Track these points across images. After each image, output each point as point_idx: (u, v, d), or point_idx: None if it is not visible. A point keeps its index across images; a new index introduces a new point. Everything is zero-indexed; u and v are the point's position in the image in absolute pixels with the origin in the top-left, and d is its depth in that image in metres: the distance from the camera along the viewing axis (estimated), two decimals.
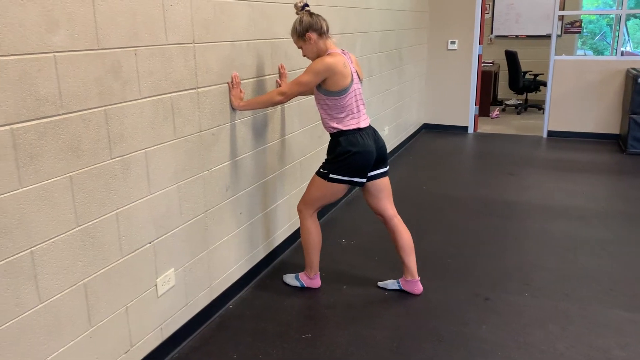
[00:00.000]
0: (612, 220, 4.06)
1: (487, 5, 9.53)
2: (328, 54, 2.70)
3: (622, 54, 6.61)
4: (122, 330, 2.19)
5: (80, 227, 1.93)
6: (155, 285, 2.36)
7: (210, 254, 2.74)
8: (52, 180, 1.81)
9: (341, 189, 2.84)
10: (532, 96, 9.61)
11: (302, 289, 3.10)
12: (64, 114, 1.82)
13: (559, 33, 9.30)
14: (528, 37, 9.56)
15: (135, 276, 2.23)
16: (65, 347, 1.92)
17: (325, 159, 2.85)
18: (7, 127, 1.64)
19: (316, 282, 3.10)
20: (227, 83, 2.73)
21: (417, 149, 6.35)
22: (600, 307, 2.86)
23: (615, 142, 6.56)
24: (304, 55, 2.80)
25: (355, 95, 2.76)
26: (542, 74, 8.85)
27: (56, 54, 1.77)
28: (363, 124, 2.78)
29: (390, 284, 3.08)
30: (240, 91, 2.78)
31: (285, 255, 3.55)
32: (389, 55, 5.48)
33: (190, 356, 2.50)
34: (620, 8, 6.55)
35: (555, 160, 5.80)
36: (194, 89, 2.48)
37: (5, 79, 1.62)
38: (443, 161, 5.83)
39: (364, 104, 2.82)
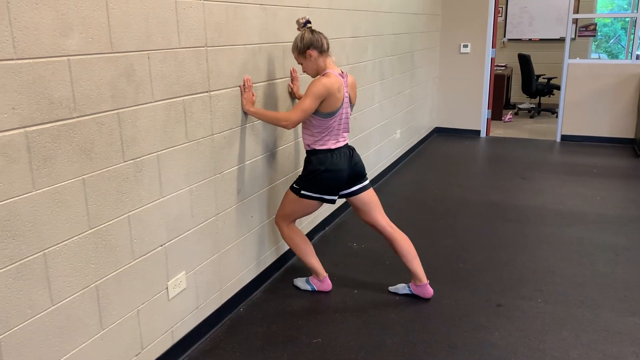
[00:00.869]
0: (627, 225, 4.01)
1: (500, 9, 9.47)
2: (324, 74, 2.71)
3: (638, 57, 6.54)
4: (133, 333, 2.20)
5: (92, 230, 1.94)
6: (167, 288, 2.37)
7: (221, 257, 2.74)
8: (65, 182, 1.82)
9: (313, 204, 2.90)
10: (545, 100, 9.54)
11: (313, 292, 3.09)
12: (77, 117, 1.83)
13: (573, 36, 9.23)
14: (541, 40, 9.49)
15: (146, 279, 2.24)
16: (76, 350, 1.93)
17: (299, 175, 2.90)
18: (22, 130, 1.65)
19: (327, 285, 3.09)
20: (239, 86, 2.73)
21: (429, 153, 6.32)
22: (614, 314, 2.82)
23: (630, 146, 6.49)
24: (304, 72, 2.83)
25: (342, 119, 2.80)
26: (556, 77, 8.78)
27: (70, 57, 1.78)
28: (338, 144, 2.82)
29: (401, 288, 3.07)
30: (252, 95, 2.78)
31: (295, 259, 3.54)
32: (401, 59, 5.47)
33: (201, 359, 2.50)
34: (635, 11, 6.48)
35: (569, 164, 5.74)
36: (206, 92, 2.49)
37: (20, 82, 1.63)
38: (455, 165, 5.79)
39: (347, 126, 2.87)
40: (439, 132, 7.39)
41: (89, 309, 1.96)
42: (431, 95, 6.91)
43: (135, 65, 2.05)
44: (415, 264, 2.96)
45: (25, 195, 1.68)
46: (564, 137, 6.82)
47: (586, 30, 9.21)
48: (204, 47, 2.43)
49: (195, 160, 2.46)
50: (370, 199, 2.95)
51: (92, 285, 1.97)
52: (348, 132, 2.89)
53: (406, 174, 5.43)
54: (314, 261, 3.05)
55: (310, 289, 3.10)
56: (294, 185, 2.90)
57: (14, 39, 1.60)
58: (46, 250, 1.77)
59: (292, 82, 3.22)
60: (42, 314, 1.78)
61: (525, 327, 2.72)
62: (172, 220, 2.35)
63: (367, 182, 2.96)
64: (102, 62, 1.91)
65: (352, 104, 2.89)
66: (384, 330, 2.71)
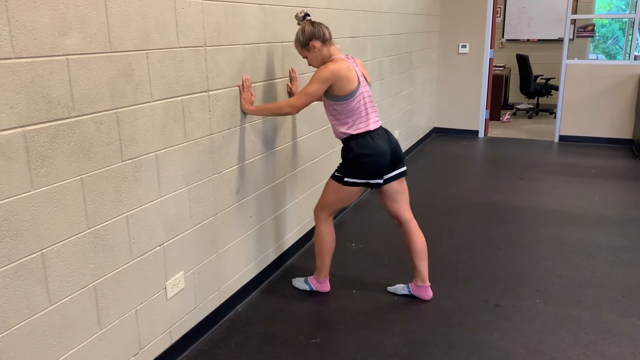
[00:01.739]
0: (625, 226, 4.01)
1: (499, 9, 9.48)
2: (331, 60, 2.70)
3: (636, 58, 6.55)
4: (132, 333, 2.19)
5: (90, 230, 1.93)
6: (165, 288, 2.36)
7: (219, 257, 2.74)
8: (64, 182, 1.81)
9: (356, 191, 2.83)
10: (543, 100, 9.55)
11: (311, 293, 3.09)
12: (75, 116, 1.83)
13: (571, 37, 9.24)
14: (539, 40, 9.50)
15: (145, 279, 2.23)
16: (74, 349, 1.92)
17: (340, 163, 2.84)
18: (20, 130, 1.64)
19: (325, 287, 3.09)
20: (238, 86, 2.73)
21: (427, 153, 6.32)
22: (613, 315, 2.82)
23: (627, 147, 6.50)
24: (310, 64, 2.81)
25: (364, 98, 2.75)
26: (554, 77, 8.80)
27: (68, 56, 1.77)
28: (373, 126, 2.76)
29: (400, 288, 3.06)
30: (251, 94, 2.78)
31: (294, 259, 3.54)
32: (399, 59, 5.46)
33: (199, 359, 2.50)
34: (633, 12, 6.49)
35: (567, 165, 5.75)
36: (205, 92, 2.48)
37: (18, 81, 1.62)
38: (453, 165, 5.80)
39: (373, 106, 2.81)
40: (437, 133, 7.39)
41: (87, 308, 1.96)
42: (429, 96, 6.91)
43: (133, 64, 2.05)
44: (424, 265, 2.95)
45: (23, 195, 1.68)
46: (562, 138, 6.82)
47: (584, 30, 9.23)
48: (202, 46, 2.43)
49: (193, 160, 2.45)
50: (403, 189, 2.90)
51: (90, 285, 1.96)
52: (376, 112, 2.83)
53: None
54: (328, 262, 3.02)
55: (308, 289, 3.10)
56: (336, 174, 2.83)
57: (12, 37, 1.59)
58: (44, 250, 1.76)
59: (290, 82, 3.21)
60: (40, 313, 1.77)
61: (524, 327, 2.72)
62: (171, 220, 2.35)
63: (405, 167, 2.90)
64: (100, 62, 1.90)
65: (368, 82, 2.83)
66: (383, 331, 2.71)
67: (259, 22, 2.87)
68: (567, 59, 6.57)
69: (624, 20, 10.32)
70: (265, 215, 3.15)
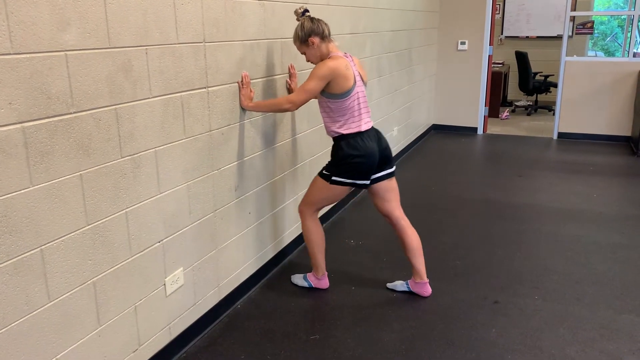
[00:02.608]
0: (624, 223, 4.02)
1: (498, 6, 9.47)
2: (329, 57, 2.70)
3: (634, 55, 6.55)
4: (131, 329, 2.19)
5: (90, 226, 1.93)
6: (164, 284, 2.36)
7: (218, 254, 2.74)
8: (63, 178, 1.81)
9: (343, 190, 2.84)
10: (542, 97, 9.55)
11: (310, 289, 3.09)
12: (74, 112, 1.82)
13: (570, 34, 9.23)
14: (538, 37, 9.49)
15: (144, 275, 2.23)
16: (74, 346, 1.92)
17: (329, 162, 2.85)
18: (19, 125, 1.64)
19: (324, 283, 3.09)
20: (237, 82, 2.72)
21: (426, 150, 6.32)
22: (611, 312, 2.83)
23: (626, 144, 6.50)
24: (308, 61, 2.81)
25: (358, 98, 2.76)
26: (553, 75, 8.80)
27: (67, 52, 1.77)
28: (364, 127, 2.77)
29: (399, 285, 3.07)
30: (250, 91, 2.77)
31: (293, 255, 3.54)
32: (399, 56, 5.46)
33: (198, 356, 2.50)
34: (632, 9, 6.49)
35: (565, 162, 5.75)
36: (204, 88, 2.48)
37: (17, 77, 1.62)
38: (452, 162, 5.80)
39: (367, 107, 2.82)
40: (436, 130, 7.39)
41: (86, 305, 1.96)
42: (428, 93, 6.91)
43: (133, 60, 2.04)
44: (420, 261, 2.95)
45: (22, 191, 1.67)
46: (561, 135, 6.83)
47: (583, 27, 9.22)
48: (202, 42, 2.42)
49: (193, 157, 2.45)
50: (392, 188, 2.91)
51: (89, 282, 1.96)
52: (369, 113, 2.84)
53: (403, 171, 5.43)
54: (321, 258, 3.03)
55: (307, 286, 3.10)
56: (324, 172, 2.84)
57: (10, 33, 1.58)
58: (43, 247, 1.76)
59: (290, 79, 3.21)
60: (39, 310, 1.77)
61: (523, 324, 2.73)
62: (170, 217, 2.34)
63: (394, 168, 2.92)
64: (99, 57, 1.89)
65: (364, 82, 2.84)
66: (382, 327, 2.71)
67: (258, 18, 2.86)
68: (566, 56, 6.57)
69: (622, 17, 10.32)
70: (264, 211, 3.14)
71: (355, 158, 2.72)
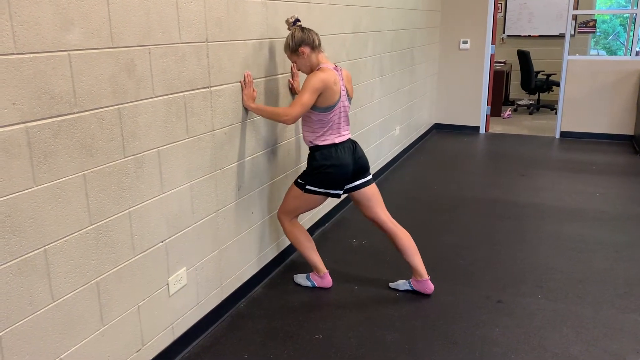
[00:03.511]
0: (627, 222, 4.01)
1: (500, 5, 9.46)
2: (319, 69, 2.73)
3: (637, 54, 6.54)
4: (134, 329, 2.19)
5: (93, 226, 1.93)
6: (167, 284, 2.36)
7: (221, 254, 2.74)
8: (66, 178, 1.81)
9: (318, 199, 2.90)
10: (544, 96, 9.53)
11: (313, 289, 3.09)
12: (78, 112, 1.82)
13: (573, 33, 9.22)
14: (541, 36, 9.48)
15: (147, 275, 2.23)
16: (77, 346, 1.92)
17: (304, 171, 2.90)
18: (22, 125, 1.64)
19: (327, 282, 3.09)
20: (240, 82, 2.72)
21: (428, 149, 6.32)
22: (615, 311, 2.82)
23: (629, 143, 6.49)
24: (298, 70, 2.86)
25: (340, 112, 2.80)
26: (555, 73, 8.78)
27: (70, 52, 1.77)
28: (339, 140, 2.82)
29: (402, 284, 3.06)
30: (253, 90, 2.77)
31: (296, 255, 3.54)
32: (400, 55, 5.45)
33: (201, 355, 2.50)
34: (635, 7, 6.47)
35: (568, 161, 5.74)
36: (207, 87, 2.48)
37: (20, 77, 1.62)
38: (454, 161, 5.79)
39: (347, 120, 2.87)
40: (438, 129, 7.38)
41: (90, 305, 1.96)
42: (430, 92, 6.90)
43: (136, 60, 2.04)
44: (416, 260, 2.96)
45: (25, 191, 1.67)
46: (563, 134, 6.82)
47: (586, 26, 9.21)
48: (204, 42, 2.42)
49: (195, 156, 2.45)
50: (372, 194, 2.95)
51: (92, 282, 1.96)
52: (349, 125, 2.89)
53: (405, 171, 5.42)
54: (315, 257, 3.05)
55: (310, 285, 3.10)
56: (299, 181, 2.90)
57: (14, 33, 1.59)
58: (47, 246, 1.76)
59: (292, 78, 3.21)
60: (42, 310, 1.77)
61: (526, 323, 2.72)
62: (173, 217, 2.35)
63: (370, 176, 2.97)
64: (102, 57, 1.89)
65: (349, 97, 2.88)
66: (384, 327, 2.71)
67: (261, 17, 2.86)
68: (568, 54, 6.56)
69: (625, 15, 10.30)
70: (267, 211, 3.14)
71: (328, 168, 2.78)
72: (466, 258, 3.46)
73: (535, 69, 8.85)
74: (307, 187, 2.86)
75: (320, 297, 3.01)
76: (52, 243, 1.78)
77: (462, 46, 6.92)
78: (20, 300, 1.70)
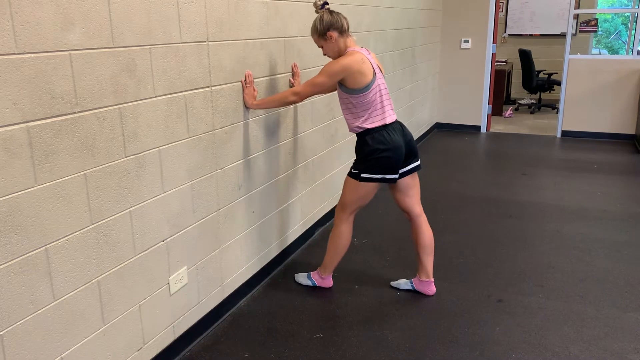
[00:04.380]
0: (628, 221, 4.01)
1: (501, 4, 9.45)
2: (346, 53, 2.67)
3: (639, 53, 6.53)
4: (135, 328, 2.20)
5: (94, 225, 1.94)
6: (168, 283, 2.36)
7: (222, 253, 2.74)
8: (67, 178, 1.81)
9: (373, 187, 2.78)
10: (545, 95, 9.53)
11: (314, 288, 3.09)
12: (79, 112, 1.83)
13: (574, 32, 9.21)
14: (542, 35, 9.47)
15: (148, 274, 2.23)
16: (78, 344, 1.93)
17: (355, 160, 2.80)
18: (23, 125, 1.64)
19: (328, 282, 3.09)
20: (241, 81, 2.73)
21: (429, 148, 6.32)
22: (615, 310, 2.82)
23: (630, 142, 6.48)
24: (325, 54, 2.76)
25: (380, 91, 2.70)
26: (556, 73, 8.77)
27: (71, 52, 1.77)
28: (389, 120, 2.72)
29: (403, 284, 3.06)
30: (254, 90, 2.77)
31: (297, 254, 3.54)
32: (402, 54, 5.45)
33: (202, 354, 2.51)
34: (637, 7, 6.46)
35: (569, 160, 5.74)
36: (208, 87, 2.48)
37: (22, 77, 1.62)
38: (455, 161, 5.79)
39: (389, 99, 2.76)
40: (440, 128, 7.38)
41: (91, 304, 1.96)
42: (432, 91, 6.90)
43: (136, 60, 2.04)
44: (429, 260, 2.95)
45: (27, 190, 1.68)
46: (565, 133, 6.81)
47: (587, 25, 9.20)
48: (205, 42, 2.43)
49: (196, 156, 2.45)
50: (415, 183, 2.87)
51: (93, 281, 1.96)
52: (392, 105, 2.78)
53: None
54: (337, 262, 3.00)
55: (311, 285, 3.10)
56: (352, 171, 2.78)
57: (15, 33, 1.59)
58: (48, 246, 1.77)
59: (293, 77, 3.21)
60: (44, 309, 1.78)
61: (526, 322, 2.72)
62: (174, 216, 2.35)
63: (419, 162, 2.86)
64: (103, 57, 1.90)
65: (383, 75, 2.79)
66: (385, 326, 2.71)
67: (262, 17, 2.86)
68: (569, 53, 6.55)
69: (626, 14, 10.28)
70: (268, 210, 3.15)
71: (383, 152, 2.66)
72: (467, 257, 3.46)
73: (537, 68, 8.84)
74: (362, 175, 2.72)
75: (321, 296, 3.01)
76: (53, 242, 1.79)
77: (464, 45, 6.92)
78: (21, 299, 1.70)
